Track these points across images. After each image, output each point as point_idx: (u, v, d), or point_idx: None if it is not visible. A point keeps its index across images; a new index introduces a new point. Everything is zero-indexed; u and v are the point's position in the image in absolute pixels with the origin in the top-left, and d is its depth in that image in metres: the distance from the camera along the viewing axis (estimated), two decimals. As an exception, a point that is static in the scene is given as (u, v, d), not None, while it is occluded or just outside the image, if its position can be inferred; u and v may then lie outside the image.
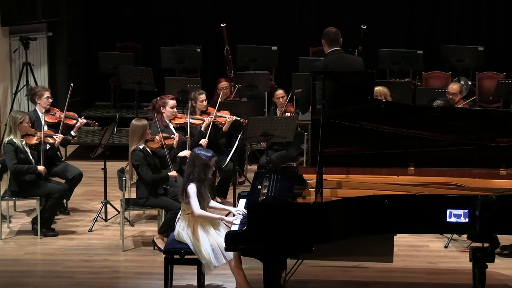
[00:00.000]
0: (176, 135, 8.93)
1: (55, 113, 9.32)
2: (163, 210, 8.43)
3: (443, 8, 13.43)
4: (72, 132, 9.32)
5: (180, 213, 7.18)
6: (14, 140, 8.47)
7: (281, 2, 13.49)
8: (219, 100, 9.75)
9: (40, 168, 8.55)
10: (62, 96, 12.11)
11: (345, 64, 8.63)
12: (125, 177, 8.42)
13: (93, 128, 9.99)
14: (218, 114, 9.62)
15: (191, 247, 6.96)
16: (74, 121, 9.36)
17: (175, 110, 9.30)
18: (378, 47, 12.59)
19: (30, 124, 8.72)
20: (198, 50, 12.44)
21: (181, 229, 7.05)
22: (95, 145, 9.55)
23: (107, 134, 9.14)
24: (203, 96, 9.71)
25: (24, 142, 8.57)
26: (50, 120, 9.17)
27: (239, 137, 9.65)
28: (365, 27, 12.07)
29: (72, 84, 9.60)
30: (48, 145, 8.91)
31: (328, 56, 8.76)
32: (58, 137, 8.98)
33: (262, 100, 11.63)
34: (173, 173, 8.46)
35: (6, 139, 8.53)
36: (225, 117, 9.62)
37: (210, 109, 9.73)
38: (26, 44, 11.67)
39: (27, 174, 8.52)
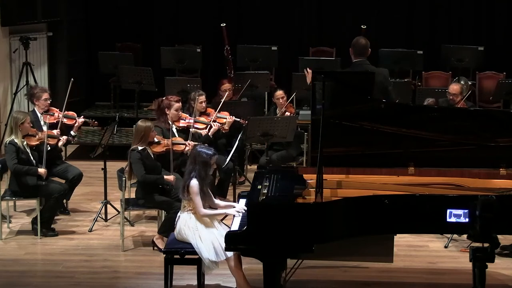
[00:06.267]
0: (191, 143, 8.86)
1: (54, 113, 9.29)
2: (163, 210, 8.44)
3: (443, 8, 13.42)
4: (72, 132, 9.29)
5: (180, 210, 7.18)
6: (16, 140, 8.46)
7: (281, 2, 13.48)
8: (222, 100, 9.73)
9: (41, 170, 8.50)
10: (62, 96, 12.08)
11: None
12: (125, 177, 8.42)
13: (92, 127, 9.96)
14: (218, 115, 9.62)
15: (193, 242, 6.96)
16: (73, 121, 9.34)
17: (180, 112, 9.29)
18: (378, 47, 12.58)
19: (31, 125, 8.71)
20: (198, 50, 12.44)
21: (183, 225, 7.05)
22: (95, 145, 9.54)
23: (107, 134, 9.13)
24: (202, 98, 9.69)
25: (25, 143, 8.56)
26: (49, 121, 9.14)
27: (239, 137, 9.65)
28: (365, 27, 12.06)
29: (72, 79, 9.57)
30: (49, 146, 8.90)
31: (351, 66, 8.73)
32: (63, 138, 8.99)
33: (262, 100, 11.64)
34: (170, 177, 8.32)
35: (7, 139, 8.52)
36: (225, 118, 9.62)
37: (209, 110, 9.73)
38: (26, 44, 11.65)
39: (27, 175, 8.50)
